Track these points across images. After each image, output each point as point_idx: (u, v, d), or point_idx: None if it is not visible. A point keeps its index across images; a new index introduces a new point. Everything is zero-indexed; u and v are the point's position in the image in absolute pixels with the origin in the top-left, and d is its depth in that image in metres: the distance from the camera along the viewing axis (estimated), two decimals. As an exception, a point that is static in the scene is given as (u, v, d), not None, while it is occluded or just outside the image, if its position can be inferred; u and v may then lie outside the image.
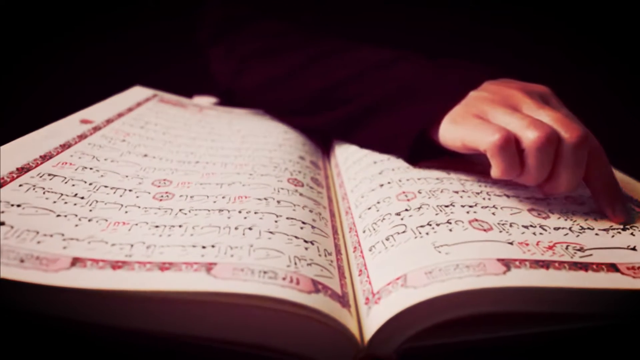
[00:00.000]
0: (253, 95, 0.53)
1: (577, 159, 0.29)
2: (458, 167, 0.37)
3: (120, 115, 0.43)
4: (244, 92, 0.53)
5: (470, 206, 0.31)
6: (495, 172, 0.30)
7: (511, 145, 0.29)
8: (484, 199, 0.32)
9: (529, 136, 0.29)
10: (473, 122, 0.32)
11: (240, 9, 0.52)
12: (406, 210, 0.31)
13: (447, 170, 0.37)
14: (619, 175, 0.38)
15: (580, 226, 0.30)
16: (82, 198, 0.28)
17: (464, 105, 0.34)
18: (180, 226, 0.26)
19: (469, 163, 0.38)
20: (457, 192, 0.33)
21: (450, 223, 0.28)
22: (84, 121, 0.39)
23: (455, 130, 0.33)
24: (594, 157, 0.30)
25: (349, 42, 0.46)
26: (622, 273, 0.24)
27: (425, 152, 0.37)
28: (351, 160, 0.42)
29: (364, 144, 0.43)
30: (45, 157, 0.32)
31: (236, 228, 0.27)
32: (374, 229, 0.30)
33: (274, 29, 0.50)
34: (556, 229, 0.29)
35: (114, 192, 0.30)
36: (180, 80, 0.62)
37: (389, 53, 0.43)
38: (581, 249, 0.26)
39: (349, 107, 0.43)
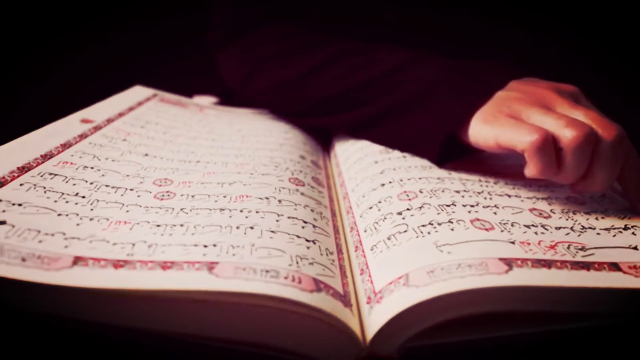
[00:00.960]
0: (266, 97, 0.52)
1: (614, 158, 0.29)
2: (486, 167, 0.37)
3: (120, 114, 0.43)
4: (257, 94, 0.52)
5: (472, 206, 0.31)
6: (531, 171, 0.30)
7: (550, 144, 0.29)
8: (485, 198, 0.32)
9: (567, 135, 0.29)
10: (507, 121, 0.32)
11: (250, 11, 0.52)
12: (408, 209, 0.31)
13: (449, 170, 0.37)
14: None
15: (582, 226, 0.30)
16: (83, 197, 0.28)
17: (494, 105, 0.34)
18: (181, 225, 0.26)
19: (494, 163, 0.38)
20: (458, 191, 0.33)
21: (451, 222, 0.28)
22: (85, 120, 0.39)
23: (488, 130, 0.33)
24: (627, 157, 0.30)
25: (365, 43, 0.46)
26: (624, 272, 0.24)
27: (451, 152, 0.37)
28: (352, 159, 0.42)
29: (383, 142, 0.42)
30: (46, 157, 0.32)
31: (238, 227, 0.26)
32: (376, 229, 0.30)
33: (289, 30, 0.50)
34: (558, 228, 0.29)
35: (115, 192, 0.30)
36: (180, 79, 0.62)
37: (409, 54, 0.42)
38: (583, 248, 0.27)
39: (369, 108, 0.42)
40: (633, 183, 0.31)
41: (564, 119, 0.30)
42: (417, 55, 0.42)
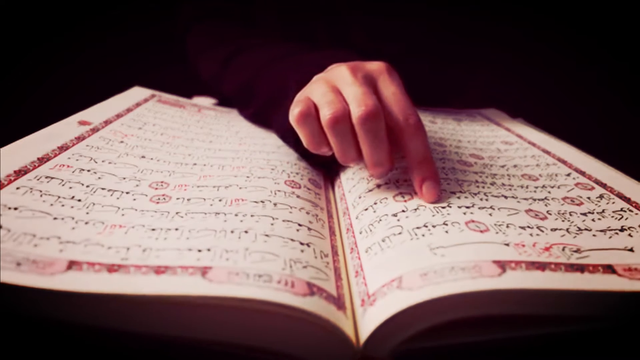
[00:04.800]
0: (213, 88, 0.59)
1: (364, 133, 0.30)
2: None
3: (118, 116, 0.43)
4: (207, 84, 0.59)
5: (467, 207, 0.31)
6: (304, 142, 0.32)
7: (310, 118, 0.30)
8: (481, 199, 0.32)
9: (323, 114, 0.30)
10: (296, 101, 0.33)
11: (188, 10, 0.60)
12: (403, 211, 0.31)
13: (446, 171, 0.37)
14: (617, 175, 0.38)
15: (578, 227, 0.30)
16: (79, 201, 0.28)
17: (304, 90, 0.34)
18: (176, 229, 0.26)
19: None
20: (454, 192, 0.33)
21: (446, 224, 0.28)
22: (82, 122, 0.39)
23: None
24: (380, 132, 0.30)
25: (264, 39, 0.52)
26: (619, 274, 0.24)
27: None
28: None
29: (276, 134, 0.44)
30: (42, 160, 0.32)
31: (232, 231, 0.27)
32: (371, 230, 0.30)
33: (216, 26, 0.57)
34: (553, 230, 0.29)
35: (111, 195, 0.30)
36: (180, 80, 0.62)
37: (282, 49, 0.47)
38: (578, 250, 0.26)
39: (255, 101, 0.47)
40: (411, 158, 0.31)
41: (325, 97, 0.30)
42: (289, 50, 0.46)
